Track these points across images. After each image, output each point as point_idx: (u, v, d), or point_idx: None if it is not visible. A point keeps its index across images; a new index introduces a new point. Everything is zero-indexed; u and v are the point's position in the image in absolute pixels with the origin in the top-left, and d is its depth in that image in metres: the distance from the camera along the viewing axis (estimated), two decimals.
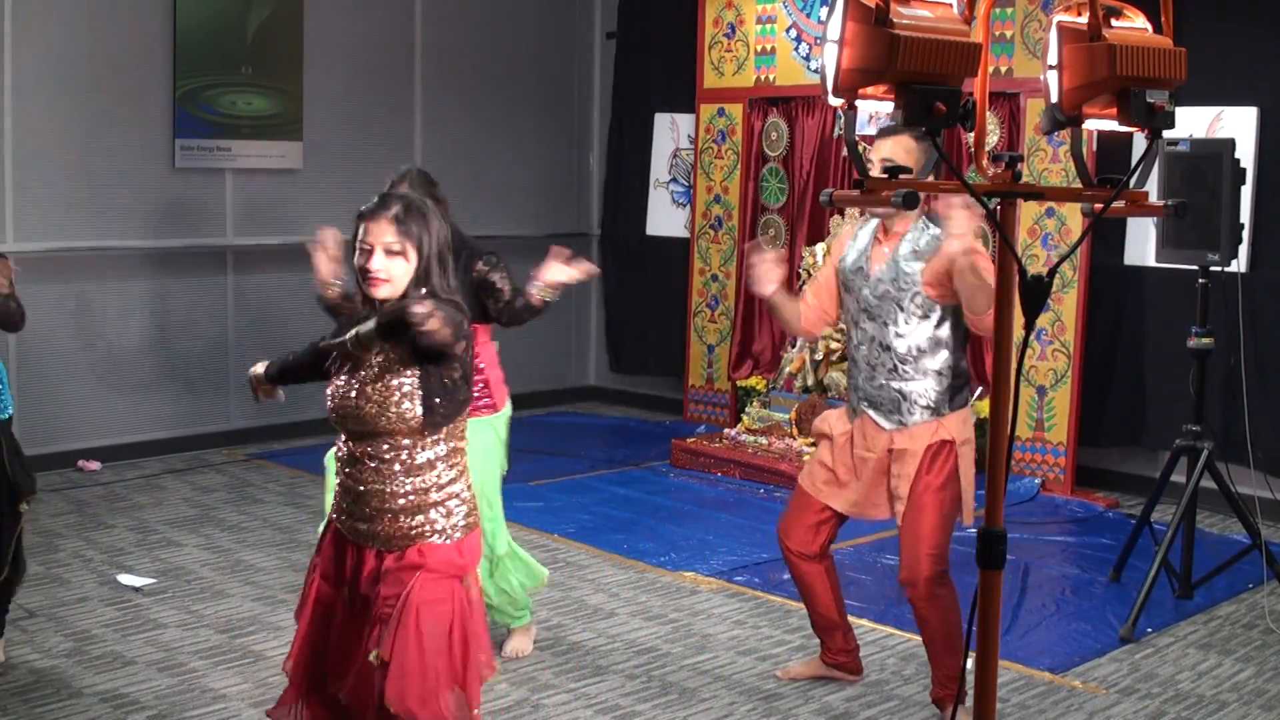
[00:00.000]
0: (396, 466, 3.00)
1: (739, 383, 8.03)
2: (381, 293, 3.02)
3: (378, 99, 8.19)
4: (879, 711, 4.22)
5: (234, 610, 5.00)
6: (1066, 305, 6.80)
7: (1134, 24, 2.35)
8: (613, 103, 9.23)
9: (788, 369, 7.48)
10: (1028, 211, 6.82)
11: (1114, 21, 2.32)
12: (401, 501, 3.00)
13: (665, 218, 8.84)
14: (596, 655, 4.66)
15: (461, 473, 3.08)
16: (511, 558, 4.58)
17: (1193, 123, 6.28)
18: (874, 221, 4.18)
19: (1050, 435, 6.92)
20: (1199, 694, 4.39)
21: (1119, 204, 2.42)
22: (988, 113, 3.04)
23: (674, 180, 8.80)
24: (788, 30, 7.89)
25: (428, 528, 3.02)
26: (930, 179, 3.42)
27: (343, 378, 3.05)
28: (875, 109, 2.33)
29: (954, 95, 2.23)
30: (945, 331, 3.99)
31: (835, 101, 2.29)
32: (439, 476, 3.02)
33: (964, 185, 2.39)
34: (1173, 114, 2.31)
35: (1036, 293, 2.29)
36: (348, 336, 2.94)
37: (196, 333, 7.56)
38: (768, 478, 7.01)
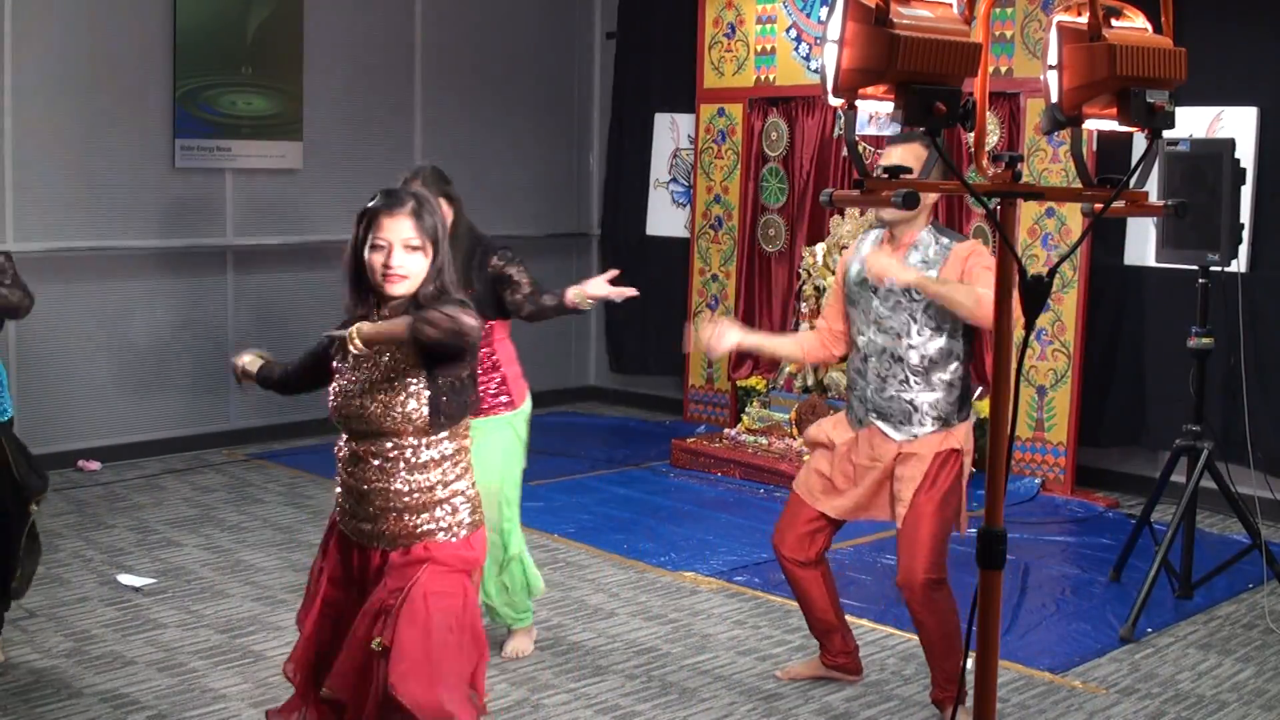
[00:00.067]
0: (400, 465, 2.98)
1: (739, 383, 8.03)
2: (399, 289, 3.00)
3: (378, 99, 8.19)
4: (879, 711, 4.22)
5: (234, 610, 5.00)
6: (1066, 305, 6.80)
7: (1134, 24, 2.35)
8: (613, 103, 9.23)
9: (788, 369, 7.48)
10: (1028, 211, 6.82)
11: (1114, 21, 2.32)
12: (406, 500, 2.98)
13: (665, 218, 8.84)
14: (596, 655, 4.66)
15: (466, 470, 3.07)
16: (520, 560, 4.58)
17: (1193, 123, 6.28)
18: (875, 232, 4.17)
19: (1050, 435, 6.92)
20: (1199, 694, 4.39)
21: (1119, 204, 2.42)
22: (988, 113, 3.04)
23: (674, 180, 8.80)
24: (788, 30, 7.89)
25: (433, 526, 3.00)
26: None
27: (346, 377, 3.04)
28: (875, 109, 2.33)
29: (954, 95, 2.23)
30: (958, 343, 3.99)
31: (835, 101, 2.29)
32: (444, 474, 3.01)
33: (964, 185, 2.39)
34: (1173, 114, 2.31)
35: (1036, 293, 2.29)
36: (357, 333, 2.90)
37: (196, 333, 7.55)
38: (768, 478, 7.01)
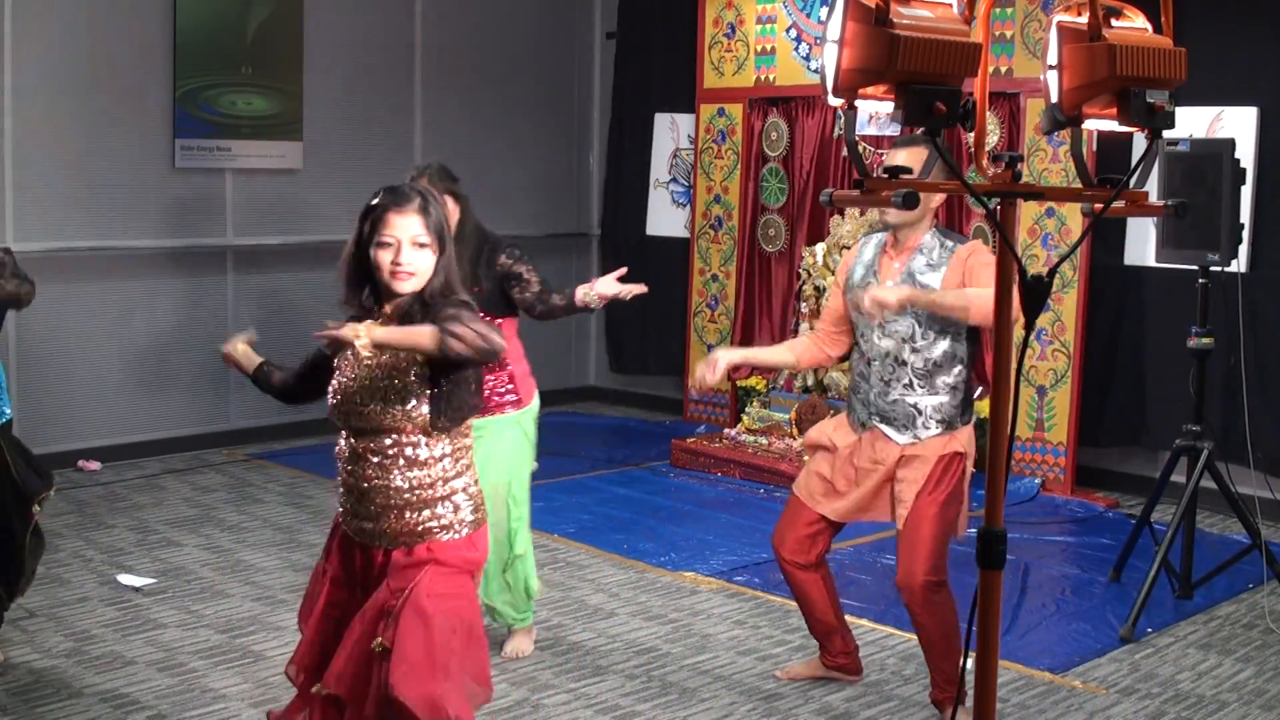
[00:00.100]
0: (401, 462, 2.97)
1: (739, 383, 8.02)
2: (407, 286, 2.98)
3: (378, 99, 8.19)
4: (879, 711, 4.22)
5: (234, 610, 5.00)
6: (1066, 305, 6.80)
7: (1134, 24, 2.35)
8: (613, 103, 9.23)
9: (787, 369, 7.48)
10: (1028, 211, 6.82)
11: (1114, 21, 2.32)
12: (407, 497, 2.97)
13: (665, 218, 8.84)
14: (596, 655, 4.66)
15: (468, 467, 3.06)
16: (525, 560, 4.57)
17: (1193, 123, 6.28)
18: (877, 236, 4.17)
19: (1050, 435, 6.92)
20: (1199, 694, 4.39)
21: (1119, 204, 2.42)
22: (988, 113, 3.04)
23: (674, 180, 8.80)
24: (788, 30, 7.89)
25: (435, 523, 2.99)
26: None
27: (346, 374, 3.03)
28: (875, 109, 2.33)
29: (954, 95, 2.23)
30: (962, 345, 3.99)
31: (835, 101, 2.29)
32: (444, 471, 3.00)
33: (964, 185, 2.39)
34: (1173, 114, 2.31)
35: (1036, 293, 2.29)
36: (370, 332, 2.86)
37: (197, 333, 7.55)
38: (768, 478, 7.01)
